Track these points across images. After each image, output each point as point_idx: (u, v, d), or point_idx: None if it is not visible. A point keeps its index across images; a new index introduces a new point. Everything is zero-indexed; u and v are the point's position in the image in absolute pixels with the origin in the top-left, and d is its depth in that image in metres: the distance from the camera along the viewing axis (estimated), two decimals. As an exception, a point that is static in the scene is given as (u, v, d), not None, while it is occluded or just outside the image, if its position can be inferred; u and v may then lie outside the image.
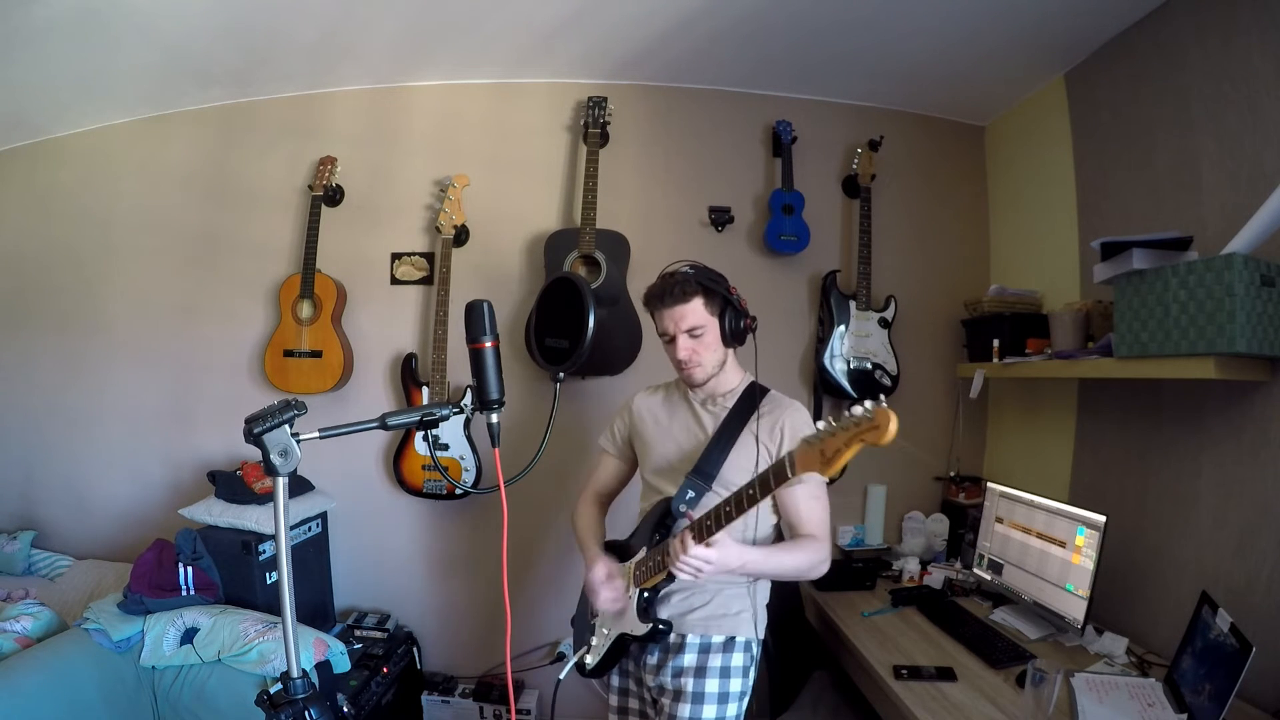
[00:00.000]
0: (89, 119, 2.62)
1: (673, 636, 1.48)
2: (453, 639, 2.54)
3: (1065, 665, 1.57)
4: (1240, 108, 1.62)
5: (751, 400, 1.51)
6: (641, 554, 1.50)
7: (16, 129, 2.63)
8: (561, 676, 1.57)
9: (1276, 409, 1.50)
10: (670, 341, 1.49)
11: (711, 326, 1.47)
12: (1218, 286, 1.37)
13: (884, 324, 2.44)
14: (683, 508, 1.45)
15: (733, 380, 1.56)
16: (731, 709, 1.45)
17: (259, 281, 2.55)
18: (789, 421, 1.48)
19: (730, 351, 1.54)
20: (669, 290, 1.46)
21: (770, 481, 1.20)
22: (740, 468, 1.45)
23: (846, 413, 1.06)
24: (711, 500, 1.45)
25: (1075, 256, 2.18)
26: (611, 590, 1.48)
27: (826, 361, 2.39)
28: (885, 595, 2.13)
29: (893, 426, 0.99)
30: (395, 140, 2.56)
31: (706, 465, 1.47)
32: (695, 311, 1.45)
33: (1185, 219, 1.73)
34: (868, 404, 1.03)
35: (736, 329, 1.49)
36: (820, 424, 1.11)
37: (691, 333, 1.46)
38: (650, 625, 1.44)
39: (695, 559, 1.28)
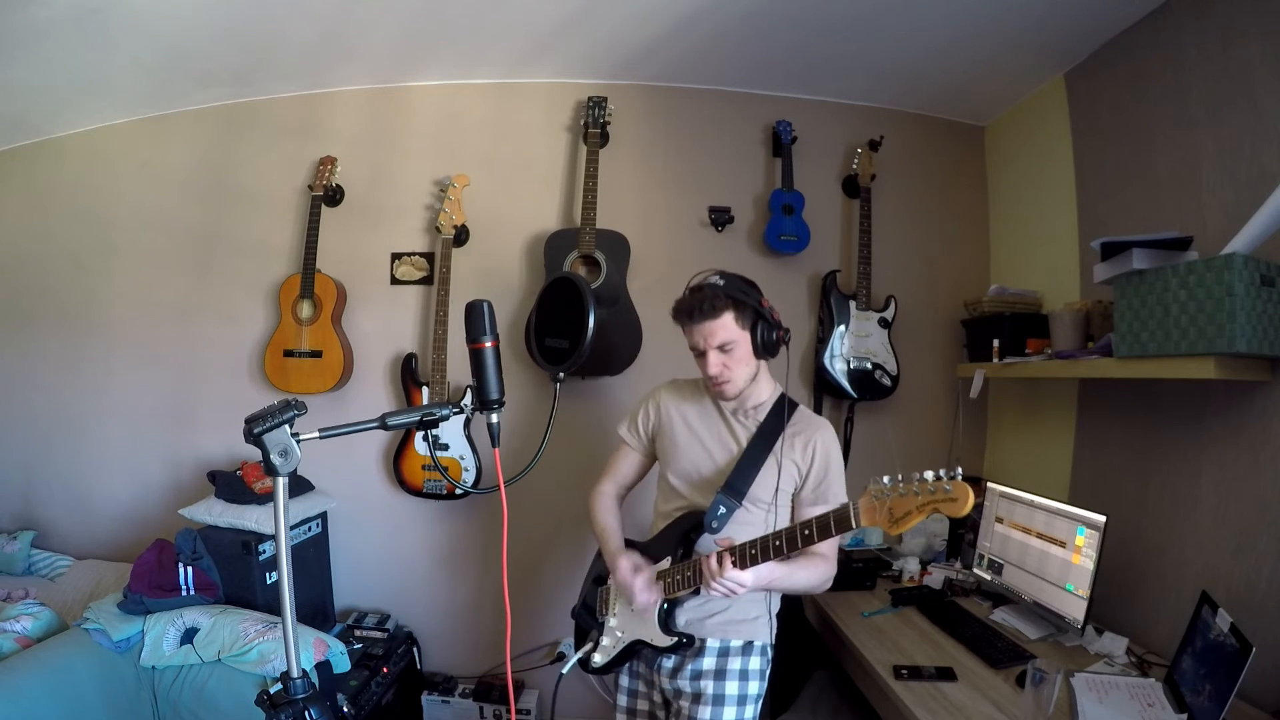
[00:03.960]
0: (89, 119, 2.62)
1: None
2: (453, 639, 2.54)
3: (1065, 665, 1.57)
4: (1240, 108, 1.62)
5: (781, 415, 1.49)
6: (665, 564, 1.49)
7: (16, 129, 2.63)
8: (564, 672, 1.58)
9: (1276, 409, 1.50)
10: (701, 356, 1.46)
11: (743, 341, 1.43)
12: (1218, 286, 1.36)
13: (884, 324, 2.44)
14: (715, 524, 1.45)
15: (764, 392, 1.53)
16: (749, 710, 1.48)
17: (259, 281, 2.55)
18: (821, 442, 1.49)
19: (762, 362, 1.51)
20: (698, 306, 1.41)
21: (831, 527, 1.23)
22: (769, 485, 1.46)
23: (918, 476, 1.08)
24: (742, 516, 1.47)
25: (1075, 256, 2.18)
26: (643, 580, 1.46)
27: (826, 361, 2.39)
28: (885, 595, 2.12)
29: (971, 501, 1.02)
30: (395, 140, 2.56)
31: (738, 481, 1.46)
32: (726, 327, 1.41)
33: (1185, 219, 1.73)
34: (943, 472, 1.06)
35: (769, 342, 1.45)
36: (885, 479, 1.13)
37: (723, 348, 1.42)
38: (675, 639, 1.46)
39: (731, 582, 1.30)
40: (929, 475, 1.07)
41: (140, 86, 2.44)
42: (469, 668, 2.51)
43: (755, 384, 1.50)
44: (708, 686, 1.46)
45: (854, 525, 1.19)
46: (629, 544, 1.61)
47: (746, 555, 1.31)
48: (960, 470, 1.06)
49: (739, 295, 1.42)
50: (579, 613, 1.70)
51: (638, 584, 1.46)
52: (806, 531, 1.25)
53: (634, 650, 1.53)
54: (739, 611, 1.49)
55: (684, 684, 1.49)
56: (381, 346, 2.53)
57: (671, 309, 1.49)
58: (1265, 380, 1.51)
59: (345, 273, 2.51)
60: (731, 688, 1.46)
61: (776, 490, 1.46)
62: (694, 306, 1.42)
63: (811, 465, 1.48)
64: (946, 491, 1.04)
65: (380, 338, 2.53)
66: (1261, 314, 1.37)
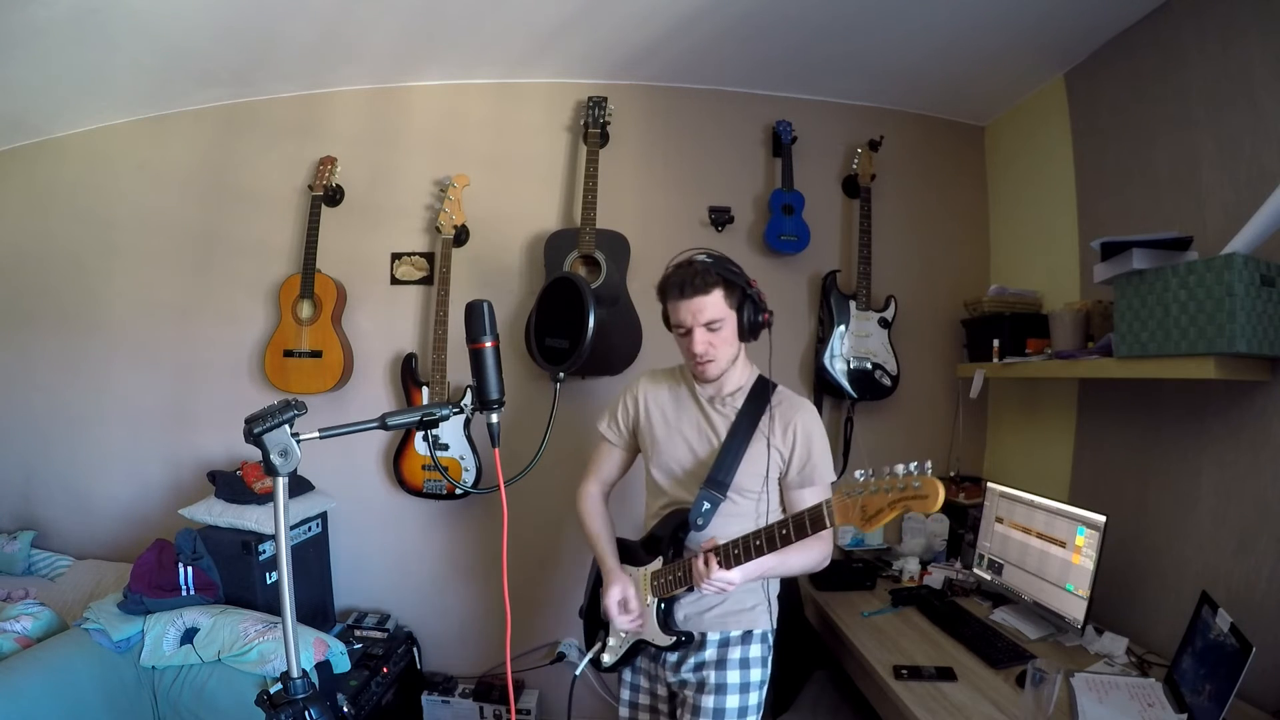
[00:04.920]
0: (89, 119, 2.62)
1: None
2: (453, 639, 2.54)
3: (1065, 665, 1.57)
4: (1240, 108, 1.62)
5: (762, 397, 1.48)
6: (657, 564, 1.50)
7: (16, 129, 2.63)
8: (578, 673, 1.60)
9: (1276, 409, 1.50)
10: (686, 334, 1.43)
11: (730, 320, 1.42)
12: (1218, 286, 1.37)
13: (884, 324, 2.44)
14: (700, 521, 1.45)
15: (740, 377, 1.52)
16: (753, 697, 1.48)
17: (259, 281, 2.55)
18: (801, 423, 1.47)
19: (741, 346, 1.50)
20: (688, 281, 1.39)
21: (807, 527, 1.23)
22: (754, 473, 1.46)
23: (888, 470, 1.08)
24: (728, 509, 1.47)
25: (1075, 256, 2.18)
26: (628, 615, 1.48)
27: (826, 361, 2.39)
28: (885, 595, 2.13)
29: (941, 497, 1.01)
30: (395, 140, 2.55)
31: (720, 473, 1.45)
32: (715, 304, 1.40)
33: (1185, 219, 1.73)
34: (913, 466, 1.05)
35: (754, 323, 1.44)
36: (859, 474, 1.13)
37: (710, 326, 1.41)
38: (674, 638, 1.46)
39: (720, 582, 1.31)
40: (899, 469, 1.07)
41: (140, 86, 2.44)
42: (469, 668, 2.50)
43: (733, 368, 1.49)
44: (710, 675, 1.47)
45: (828, 524, 1.19)
46: (622, 543, 1.61)
47: (730, 555, 1.32)
48: (930, 465, 1.05)
49: (728, 274, 1.41)
50: (586, 612, 1.71)
51: (621, 619, 1.48)
52: (784, 532, 1.25)
53: (639, 648, 1.54)
54: (735, 602, 1.49)
55: (688, 675, 1.49)
56: (381, 346, 2.53)
57: (657, 285, 1.46)
58: (1265, 380, 1.51)
59: (345, 273, 2.51)
60: (733, 675, 1.47)
61: (766, 476, 1.45)
62: (684, 281, 1.40)
63: (794, 449, 1.46)
64: (916, 488, 1.04)
65: (380, 338, 2.53)
66: (1261, 314, 1.37)
